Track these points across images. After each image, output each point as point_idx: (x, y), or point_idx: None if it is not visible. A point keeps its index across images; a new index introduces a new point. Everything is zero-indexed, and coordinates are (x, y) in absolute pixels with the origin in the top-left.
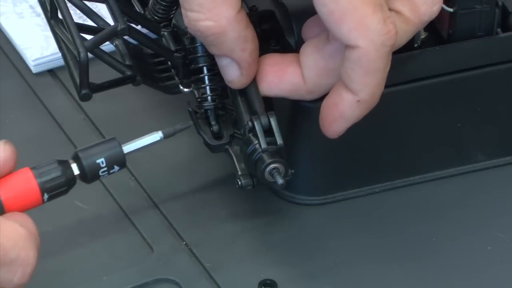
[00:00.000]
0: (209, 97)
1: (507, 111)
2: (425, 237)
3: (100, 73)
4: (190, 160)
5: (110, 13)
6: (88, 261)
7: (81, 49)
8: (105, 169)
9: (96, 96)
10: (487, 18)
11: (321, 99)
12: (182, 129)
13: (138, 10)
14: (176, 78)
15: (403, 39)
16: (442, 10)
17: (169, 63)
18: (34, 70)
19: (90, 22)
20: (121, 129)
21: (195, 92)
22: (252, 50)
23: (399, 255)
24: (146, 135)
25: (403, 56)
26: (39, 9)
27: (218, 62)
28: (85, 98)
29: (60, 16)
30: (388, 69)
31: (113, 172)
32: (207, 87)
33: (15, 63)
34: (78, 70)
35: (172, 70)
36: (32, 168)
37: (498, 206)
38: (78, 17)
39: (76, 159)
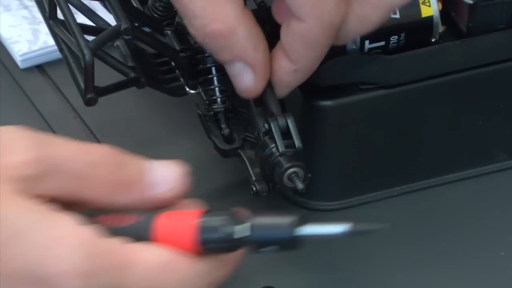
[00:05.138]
0: (218, 99)
1: None
2: (437, 241)
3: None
4: (199, 166)
5: (112, 12)
6: None
7: (86, 51)
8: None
9: None
10: (509, 10)
11: (334, 96)
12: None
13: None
14: (182, 79)
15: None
16: (461, 2)
17: (173, 63)
18: (21, 65)
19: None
20: (114, 129)
21: (202, 94)
22: (265, 49)
23: (410, 261)
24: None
25: (421, 52)
26: (26, 1)
27: (230, 71)
28: (90, 102)
29: (59, 16)
30: (330, 45)
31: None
32: (216, 89)
33: (1, 58)
34: (83, 73)
35: (177, 71)
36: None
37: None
38: None
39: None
